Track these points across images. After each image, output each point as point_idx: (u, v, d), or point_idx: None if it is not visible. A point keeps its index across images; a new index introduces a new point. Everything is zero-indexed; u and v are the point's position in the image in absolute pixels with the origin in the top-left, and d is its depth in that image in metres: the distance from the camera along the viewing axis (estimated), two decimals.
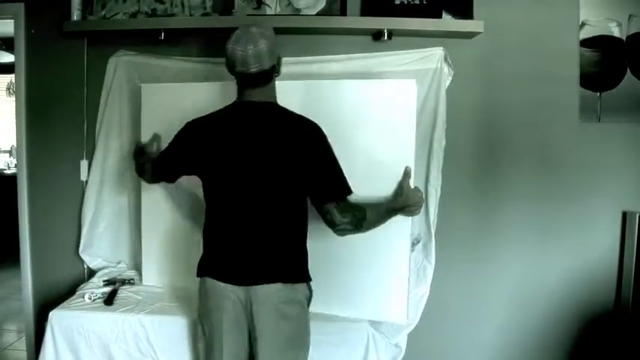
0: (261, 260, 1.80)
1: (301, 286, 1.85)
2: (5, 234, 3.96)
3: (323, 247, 2.00)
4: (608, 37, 2.58)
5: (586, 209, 2.62)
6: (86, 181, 2.76)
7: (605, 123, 2.60)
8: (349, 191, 1.80)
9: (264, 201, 1.79)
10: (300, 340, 1.87)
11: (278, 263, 1.81)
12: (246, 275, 1.80)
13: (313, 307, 1.95)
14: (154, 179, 2.14)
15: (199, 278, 1.90)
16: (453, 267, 2.65)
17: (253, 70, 1.75)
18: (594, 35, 2.59)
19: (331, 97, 2.21)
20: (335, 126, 1.92)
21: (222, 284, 1.82)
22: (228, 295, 1.81)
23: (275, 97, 1.88)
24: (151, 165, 2.09)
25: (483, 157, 2.65)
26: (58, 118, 2.80)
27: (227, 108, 1.88)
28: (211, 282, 1.84)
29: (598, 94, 2.60)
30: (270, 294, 1.79)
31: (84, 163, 2.77)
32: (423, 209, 2.51)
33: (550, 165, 2.63)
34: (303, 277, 1.86)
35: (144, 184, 2.38)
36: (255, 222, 1.80)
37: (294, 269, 1.84)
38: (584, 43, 2.59)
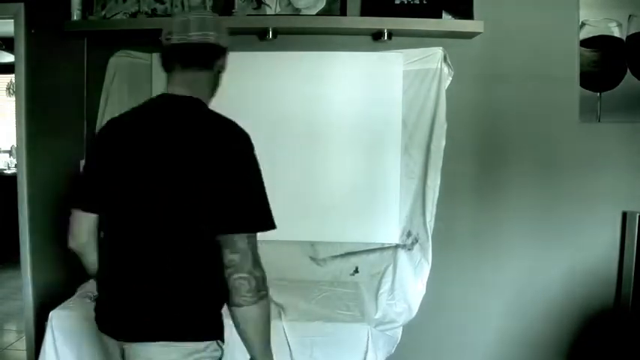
0: (146, 310, 1.34)
1: (205, 348, 1.35)
2: (5, 234, 3.96)
3: (321, 181, 2.51)
4: (607, 37, 2.58)
5: (586, 209, 2.62)
6: None
7: (605, 123, 2.60)
8: (266, 225, 1.34)
9: (159, 230, 1.35)
10: None
11: (170, 315, 1.33)
12: (125, 327, 1.37)
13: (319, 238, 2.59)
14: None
15: None
16: (453, 266, 2.66)
17: (194, 38, 1.40)
18: (594, 35, 2.59)
19: (325, 68, 2.58)
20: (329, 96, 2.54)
21: (105, 336, 1.44)
22: (111, 350, 1.44)
23: (206, 94, 1.48)
24: None
25: (483, 157, 2.65)
26: (58, 118, 2.80)
27: (144, 104, 1.50)
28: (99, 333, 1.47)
29: (598, 94, 2.60)
30: (152, 356, 1.33)
31: (83, 163, 2.76)
32: (419, 210, 2.55)
33: (550, 165, 2.63)
34: (210, 333, 1.37)
35: None
36: (145, 258, 1.36)
37: (193, 324, 1.35)
38: (584, 43, 2.60)
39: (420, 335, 2.63)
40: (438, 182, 2.53)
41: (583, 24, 2.59)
